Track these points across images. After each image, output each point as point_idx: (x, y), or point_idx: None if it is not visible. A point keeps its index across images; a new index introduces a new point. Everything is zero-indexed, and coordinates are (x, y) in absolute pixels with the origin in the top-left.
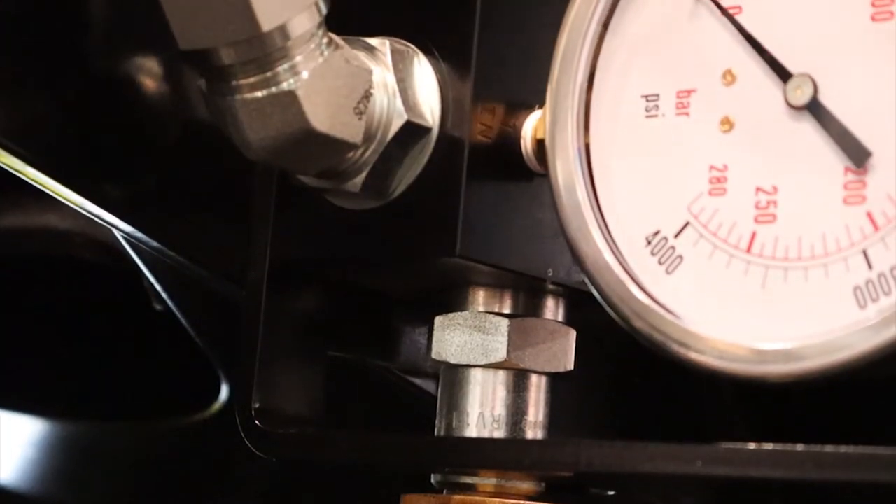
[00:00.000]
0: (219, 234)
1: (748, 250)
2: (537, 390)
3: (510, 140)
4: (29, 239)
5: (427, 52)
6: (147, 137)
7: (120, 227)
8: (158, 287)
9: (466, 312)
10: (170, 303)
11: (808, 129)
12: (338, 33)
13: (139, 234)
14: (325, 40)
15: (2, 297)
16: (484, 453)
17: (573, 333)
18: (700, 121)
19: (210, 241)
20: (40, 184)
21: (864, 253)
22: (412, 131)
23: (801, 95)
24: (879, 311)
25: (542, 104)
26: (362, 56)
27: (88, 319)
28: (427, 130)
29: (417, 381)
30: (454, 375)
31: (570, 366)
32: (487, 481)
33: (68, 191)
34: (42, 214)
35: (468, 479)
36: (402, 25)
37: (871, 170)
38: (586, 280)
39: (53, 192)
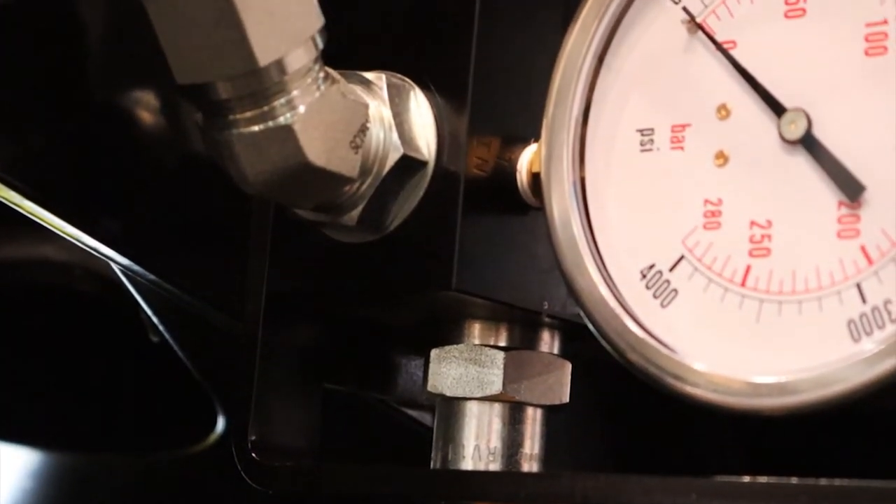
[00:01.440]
0: (215, 266)
1: (742, 284)
2: (533, 423)
3: (506, 174)
4: (26, 270)
5: (423, 86)
6: (144, 171)
7: (117, 259)
8: (155, 319)
9: (462, 345)
10: (166, 335)
11: (802, 163)
12: (334, 67)
13: (136, 267)
14: (321, 74)
15: None
16: (480, 486)
17: (568, 366)
18: (695, 155)
19: (207, 274)
20: (38, 217)
21: (858, 287)
22: (408, 165)
23: (796, 130)
24: (873, 344)
25: (537, 138)
26: (359, 90)
27: (85, 351)
28: (423, 164)
29: (413, 413)
30: (450, 408)
31: (566, 398)
32: None
33: (66, 224)
34: (40, 246)
35: None
36: (398, 59)
37: (865, 204)
38: (581, 313)
39: (51, 225)
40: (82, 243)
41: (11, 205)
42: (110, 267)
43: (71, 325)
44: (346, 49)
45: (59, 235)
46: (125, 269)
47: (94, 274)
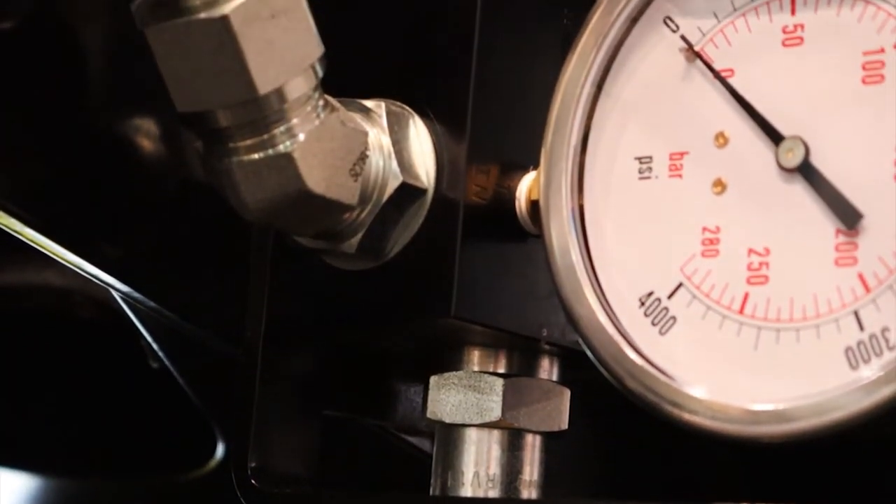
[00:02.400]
0: (215, 294)
1: (741, 311)
2: (532, 450)
3: (504, 201)
4: (27, 296)
5: (422, 114)
6: (145, 198)
7: (117, 287)
8: (155, 345)
9: (461, 372)
10: (166, 361)
11: (799, 191)
12: (334, 95)
13: (136, 295)
14: (321, 103)
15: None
16: None
17: (567, 393)
18: (693, 183)
19: (206, 301)
20: (39, 244)
21: (856, 314)
22: (407, 193)
23: (793, 158)
24: (871, 371)
25: (536, 165)
26: (358, 118)
27: (85, 377)
28: (422, 192)
29: (413, 439)
30: (449, 435)
31: (565, 425)
32: None
33: (66, 251)
34: (40, 272)
35: None
36: (397, 87)
37: (863, 232)
38: (580, 340)
39: (52, 252)
40: (83, 270)
41: (13, 232)
42: (110, 293)
43: (71, 350)
44: (345, 77)
45: (59, 261)
46: (125, 296)
47: (95, 300)
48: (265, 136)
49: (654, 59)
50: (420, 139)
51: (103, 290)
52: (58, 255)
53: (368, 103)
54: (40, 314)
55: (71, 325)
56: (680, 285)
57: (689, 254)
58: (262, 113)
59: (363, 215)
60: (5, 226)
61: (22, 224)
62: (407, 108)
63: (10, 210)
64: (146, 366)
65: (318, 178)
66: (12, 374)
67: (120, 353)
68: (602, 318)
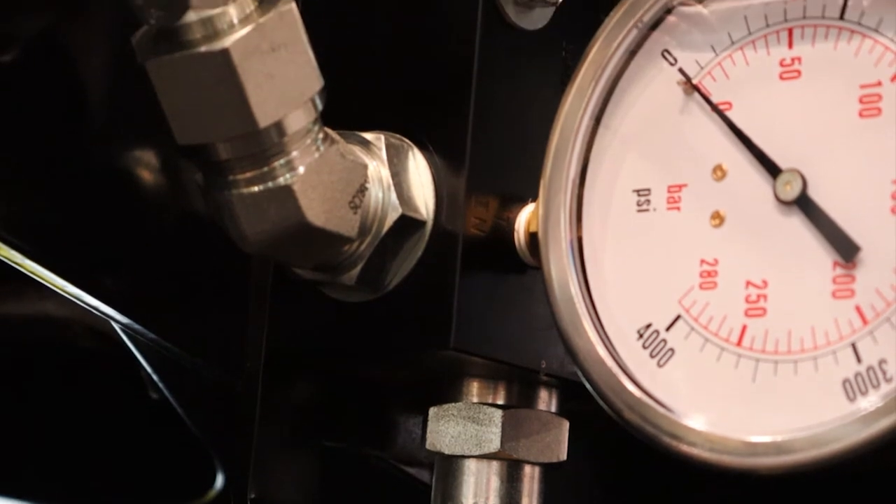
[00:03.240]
0: (215, 325)
1: (739, 343)
2: (531, 481)
3: (503, 233)
4: (27, 326)
5: (421, 147)
6: (145, 230)
7: (117, 318)
8: (155, 376)
9: (460, 403)
10: (166, 391)
11: (797, 223)
12: (333, 128)
13: (136, 326)
14: (320, 135)
15: None
16: None
17: (566, 424)
18: (691, 215)
19: (206, 333)
20: (38, 276)
21: (853, 346)
22: (407, 225)
23: (791, 191)
24: (869, 403)
25: (534, 197)
26: (357, 150)
27: (85, 407)
28: (421, 224)
29: (412, 470)
30: (448, 466)
31: (564, 456)
32: None
33: (66, 283)
34: (40, 302)
35: None
36: (397, 120)
37: (860, 264)
38: (579, 372)
39: (52, 284)
40: (83, 302)
41: (13, 264)
42: (110, 324)
43: (70, 380)
44: (344, 109)
45: (59, 292)
46: (125, 327)
47: (94, 330)
48: (265, 169)
49: (652, 92)
50: (419, 171)
51: (103, 320)
52: (58, 287)
53: (368, 136)
54: (40, 344)
55: (71, 355)
56: (678, 317)
57: (687, 286)
58: (262, 146)
59: (363, 247)
60: (5, 257)
61: (22, 256)
62: (406, 140)
63: (10, 241)
64: (146, 396)
65: (318, 210)
66: (11, 403)
67: (119, 384)
68: (600, 350)
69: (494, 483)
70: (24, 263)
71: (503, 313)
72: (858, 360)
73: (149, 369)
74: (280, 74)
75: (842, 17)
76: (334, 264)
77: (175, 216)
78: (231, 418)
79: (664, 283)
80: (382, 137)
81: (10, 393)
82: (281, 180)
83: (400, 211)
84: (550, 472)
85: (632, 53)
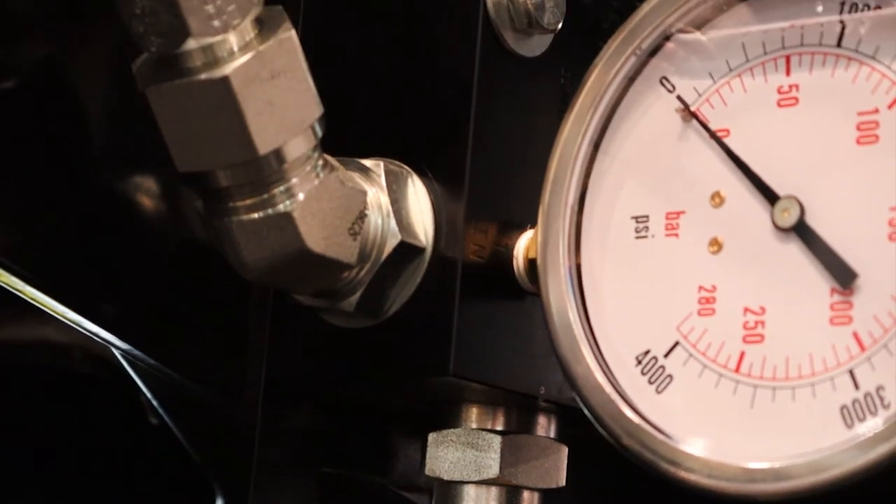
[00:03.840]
0: (215, 351)
1: (737, 370)
2: None
3: (502, 260)
4: (26, 352)
5: (421, 173)
6: (145, 256)
7: (117, 344)
8: (154, 402)
9: (459, 429)
10: (166, 417)
11: (795, 250)
12: (333, 154)
13: (136, 352)
14: (320, 162)
15: None
16: None
17: (565, 450)
18: (689, 242)
19: (206, 359)
20: (39, 302)
21: (851, 373)
22: (406, 251)
23: (788, 218)
24: (867, 429)
25: (533, 224)
26: (357, 177)
27: (84, 432)
28: (421, 251)
29: (412, 496)
30: (448, 491)
31: (562, 482)
32: None
33: (66, 309)
34: (39, 327)
35: None
36: (396, 146)
37: (858, 291)
38: (577, 399)
39: (52, 310)
40: (83, 328)
41: (13, 290)
42: (110, 350)
43: (70, 406)
44: (344, 136)
45: (59, 318)
46: (125, 353)
47: (94, 356)
48: (265, 196)
49: (650, 119)
50: (418, 198)
51: (103, 346)
52: (58, 314)
53: (367, 162)
54: (39, 369)
55: (70, 380)
56: (676, 344)
57: (685, 313)
58: (262, 173)
59: (362, 274)
60: (5, 283)
61: (22, 282)
62: (405, 167)
63: (10, 268)
64: (145, 422)
65: (318, 237)
66: (10, 429)
67: (119, 409)
68: (599, 376)
69: None
70: (24, 290)
71: (502, 339)
72: (856, 386)
73: (148, 395)
74: (280, 102)
75: (839, 45)
76: (334, 291)
77: (175, 243)
78: (231, 444)
79: (662, 309)
80: (382, 164)
81: (8, 418)
82: (281, 207)
83: (399, 237)
84: (549, 498)
85: (630, 80)
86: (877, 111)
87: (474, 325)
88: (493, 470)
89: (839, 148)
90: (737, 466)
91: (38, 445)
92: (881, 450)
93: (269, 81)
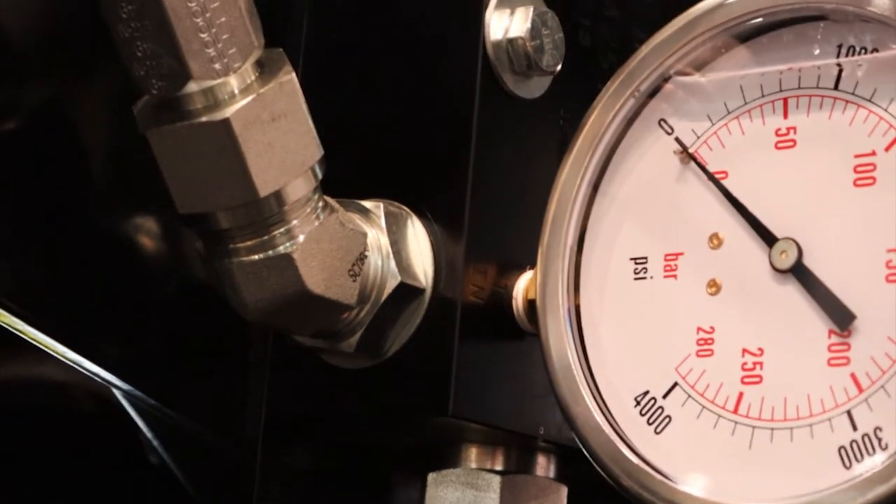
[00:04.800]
0: (215, 391)
1: (735, 411)
2: None
3: (502, 301)
4: (26, 391)
5: (420, 215)
6: (145, 297)
7: (118, 384)
8: (155, 441)
9: (459, 469)
10: (165, 457)
11: (792, 292)
12: (333, 195)
13: (136, 392)
14: (320, 204)
15: None
16: None
17: (564, 490)
18: (688, 283)
19: (207, 399)
20: (39, 342)
21: (849, 414)
22: (406, 292)
23: (786, 259)
24: (864, 470)
25: (532, 264)
26: (357, 219)
27: (84, 471)
28: (420, 291)
29: None
30: None
31: None
32: None
33: (66, 349)
34: (39, 366)
35: None
36: (396, 188)
37: (855, 332)
38: (577, 439)
39: (52, 350)
40: (83, 368)
41: (14, 330)
42: (110, 389)
43: (69, 445)
44: (344, 178)
45: (59, 358)
46: (125, 393)
47: (94, 395)
48: (265, 238)
49: (649, 160)
50: (418, 239)
51: (103, 385)
52: (59, 354)
53: (367, 204)
54: (39, 408)
55: (70, 419)
56: (675, 385)
57: (684, 354)
58: (263, 215)
59: (362, 315)
60: (5, 323)
61: (22, 322)
62: (405, 208)
63: (11, 308)
64: (145, 461)
65: (318, 278)
66: (10, 468)
67: (119, 448)
68: (598, 417)
69: None
70: (25, 330)
71: (501, 380)
72: (854, 427)
73: (148, 434)
74: (280, 144)
75: (836, 88)
76: (334, 331)
77: (175, 283)
78: (230, 483)
79: (661, 350)
80: (381, 206)
81: (7, 456)
82: (281, 249)
83: (399, 279)
84: None
85: (629, 122)
86: (874, 153)
87: (474, 365)
88: None
89: (836, 190)
90: None
91: (38, 484)
92: (879, 490)
93: (269, 124)
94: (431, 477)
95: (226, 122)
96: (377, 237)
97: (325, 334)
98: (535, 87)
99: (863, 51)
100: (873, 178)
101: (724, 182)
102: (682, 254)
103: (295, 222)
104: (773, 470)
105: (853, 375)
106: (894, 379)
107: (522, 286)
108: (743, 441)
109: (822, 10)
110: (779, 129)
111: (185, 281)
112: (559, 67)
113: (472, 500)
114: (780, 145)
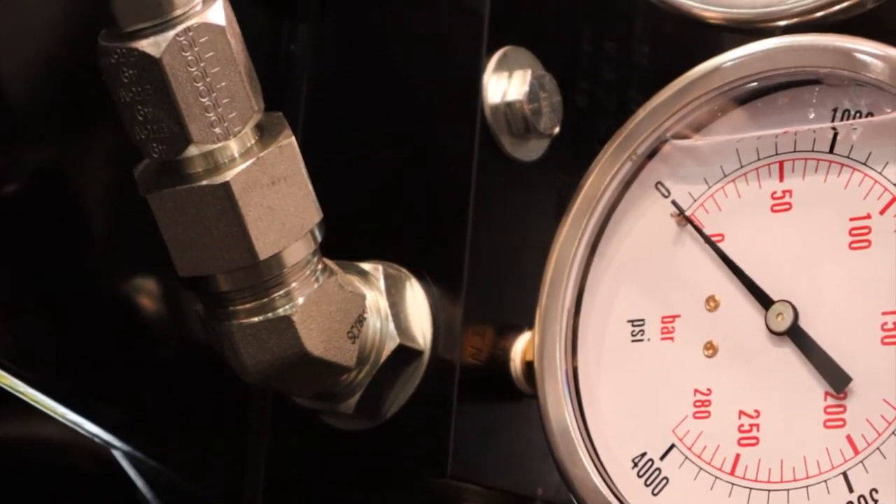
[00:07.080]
0: (215, 452)
1: (732, 472)
2: None
3: (500, 362)
4: (25, 449)
5: (419, 277)
6: (145, 359)
7: (117, 445)
8: (155, 502)
9: None
10: None
11: (789, 354)
12: (332, 258)
13: (136, 453)
14: (319, 266)
15: None
16: None
17: None
18: (685, 345)
19: (206, 460)
20: (39, 403)
21: (845, 476)
22: (404, 354)
23: (782, 322)
24: None
25: (530, 326)
26: (356, 281)
27: None
28: (419, 353)
29: None
30: None
31: None
32: None
33: (67, 410)
34: (39, 426)
35: None
36: (394, 250)
37: (851, 394)
38: (575, 501)
39: (52, 411)
40: (83, 429)
41: (14, 392)
42: (109, 449)
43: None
44: (343, 240)
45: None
46: (125, 454)
47: (93, 455)
48: (265, 300)
49: (646, 223)
50: (417, 301)
51: (103, 446)
52: (58, 415)
53: (366, 266)
54: (38, 467)
55: (69, 479)
56: (672, 446)
57: (681, 415)
58: (262, 277)
59: (361, 376)
60: (6, 385)
61: (23, 383)
62: (404, 270)
63: (10, 369)
64: None
65: (317, 340)
66: None
67: None
68: (596, 479)
69: None
70: (24, 391)
71: (499, 441)
72: (850, 489)
73: (147, 494)
74: (280, 207)
75: (832, 151)
76: (333, 393)
77: (175, 345)
78: None
79: (658, 412)
80: (380, 268)
81: None
82: (280, 311)
83: (398, 341)
84: None
85: (627, 184)
86: (869, 216)
87: (472, 427)
88: None
89: (832, 253)
90: None
91: None
92: None
93: (269, 187)
94: None
95: (226, 186)
96: (376, 299)
97: (325, 396)
98: (532, 150)
99: (858, 115)
100: (868, 241)
101: (721, 245)
102: (679, 316)
103: (294, 285)
104: None
105: (849, 437)
106: (890, 440)
107: (520, 348)
108: (740, 503)
109: (817, 74)
110: (775, 193)
111: (185, 342)
112: (557, 130)
113: None
114: (776, 208)
